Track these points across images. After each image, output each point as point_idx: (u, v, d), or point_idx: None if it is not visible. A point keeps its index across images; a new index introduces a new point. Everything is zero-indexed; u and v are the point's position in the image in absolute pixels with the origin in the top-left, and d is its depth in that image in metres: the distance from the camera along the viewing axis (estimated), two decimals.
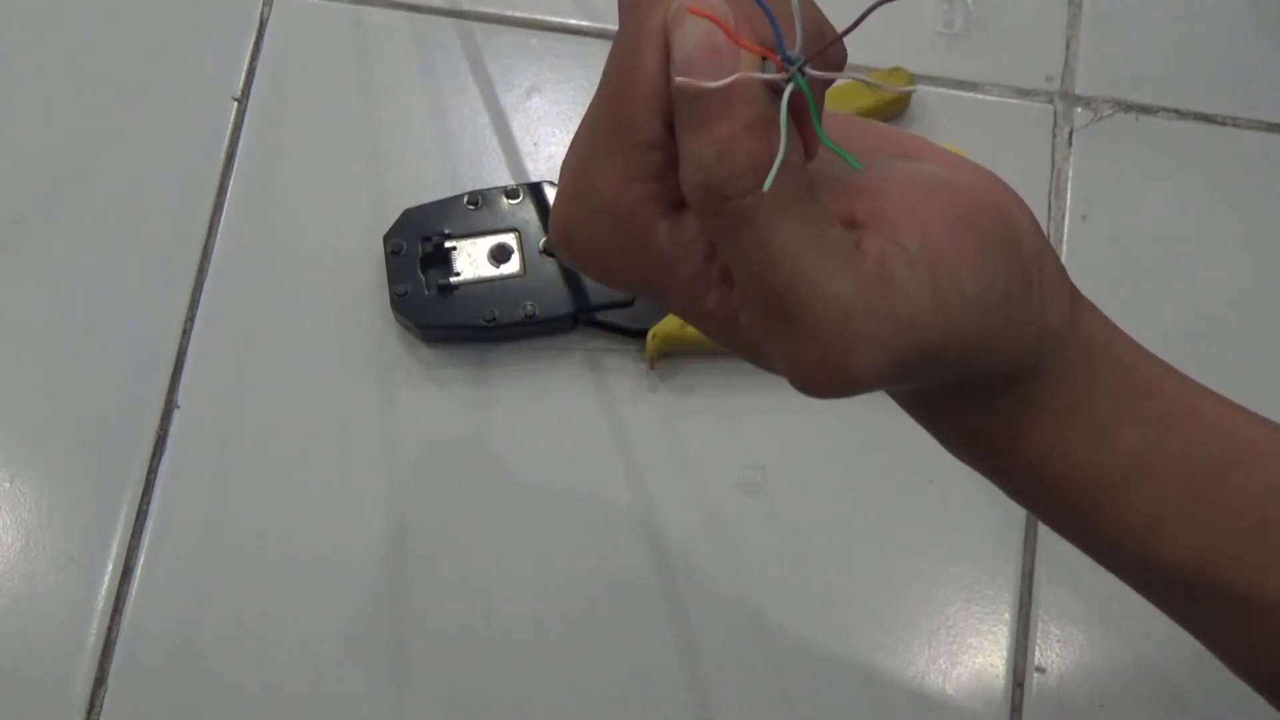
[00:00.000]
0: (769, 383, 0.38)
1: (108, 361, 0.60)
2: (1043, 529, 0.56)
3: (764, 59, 0.27)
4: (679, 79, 0.27)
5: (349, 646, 0.57)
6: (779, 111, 0.26)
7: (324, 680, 0.56)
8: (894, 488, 0.58)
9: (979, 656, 0.56)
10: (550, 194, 0.61)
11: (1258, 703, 0.36)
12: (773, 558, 0.57)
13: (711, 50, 0.26)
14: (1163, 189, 0.62)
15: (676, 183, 0.28)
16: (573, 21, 0.66)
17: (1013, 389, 0.32)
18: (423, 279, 0.59)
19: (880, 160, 0.31)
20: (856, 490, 0.58)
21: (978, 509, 0.57)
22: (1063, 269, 0.33)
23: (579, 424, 0.59)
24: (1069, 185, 0.62)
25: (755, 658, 0.56)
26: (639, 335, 0.59)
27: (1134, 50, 0.64)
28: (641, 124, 0.28)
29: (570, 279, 0.59)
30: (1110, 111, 0.63)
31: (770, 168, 0.26)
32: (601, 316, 0.59)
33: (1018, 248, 0.31)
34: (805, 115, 0.27)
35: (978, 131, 0.63)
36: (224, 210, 0.63)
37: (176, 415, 0.60)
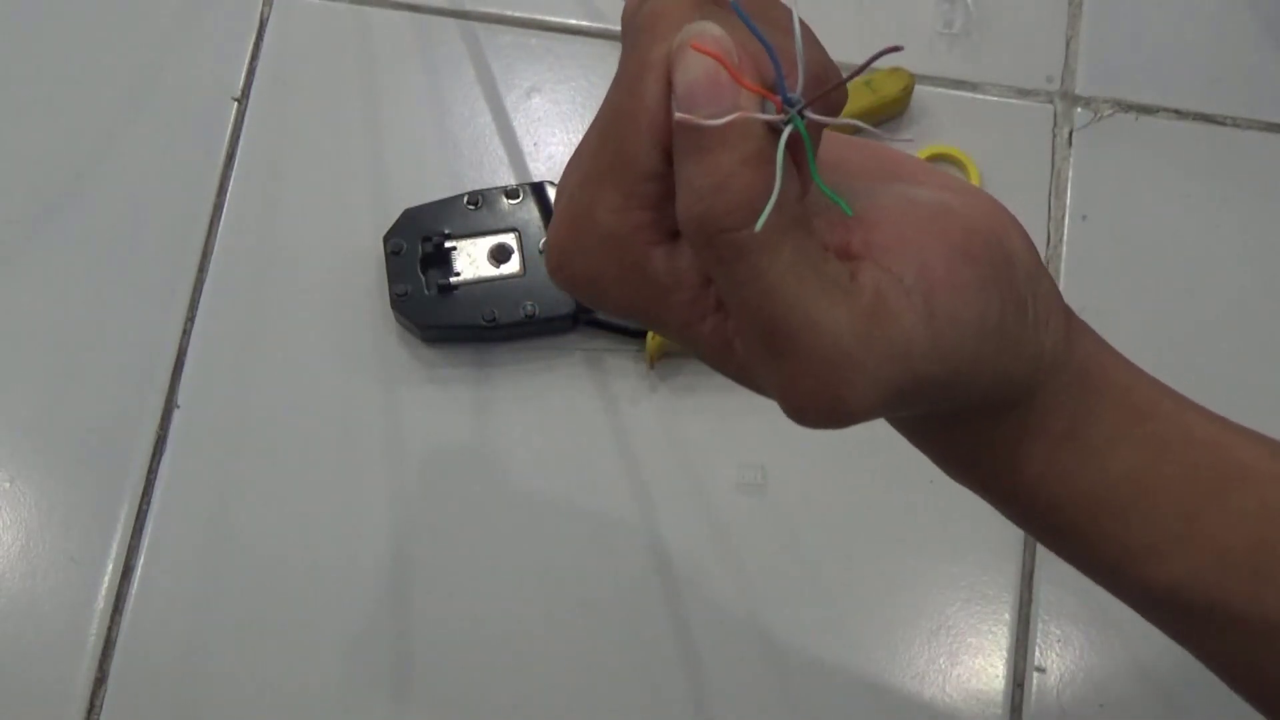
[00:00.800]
0: None
1: (108, 361, 0.60)
2: None
3: (764, 98, 0.27)
4: (679, 115, 0.27)
5: (349, 645, 0.57)
6: (776, 149, 0.27)
7: (324, 679, 0.56)
8: (894, 488, 0.58)
9: (979, 656, 0.56)
10: (551, 194, 0.61)
11: None
12: (772, 558, 0.57)
13: (713, 86, 0.26)
14: (1163, 189, 0.62)
15: (673, 212, 0.28)
16: (573, 21, 0.66)
17: (1008, 415, 0.32)
18: (423, 279, 0.59)
19: (876, 185, 0.31)
20: (856, 490, 0.58)
21: (978, 509, 0.57)
22: (1057, 292, 0.33)
23: (579, 424, 0.59)
24: (1069, 185, 0.62)
25: (755, 657, 0.56)
26: (639, 335, 0.59)
27: (1134, 50, 0.64)
28: (641, 154, 0.28)
29: None
30: (1110, 111, 0.63)
31: (765, 203, 0.26)
32: (601, 316, 0.59)
33: (1013, 274, 0.31)
34: (802, 153, 0.28)
35: (978, 131, 0.63)
36: (224, 210, 0.63)
37: (176, 415, 0.60)
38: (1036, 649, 0.56)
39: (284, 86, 0.65)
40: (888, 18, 0.65)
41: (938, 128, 0.63)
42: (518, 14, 0.66)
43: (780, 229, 0.27)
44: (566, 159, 0.65)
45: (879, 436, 0.58)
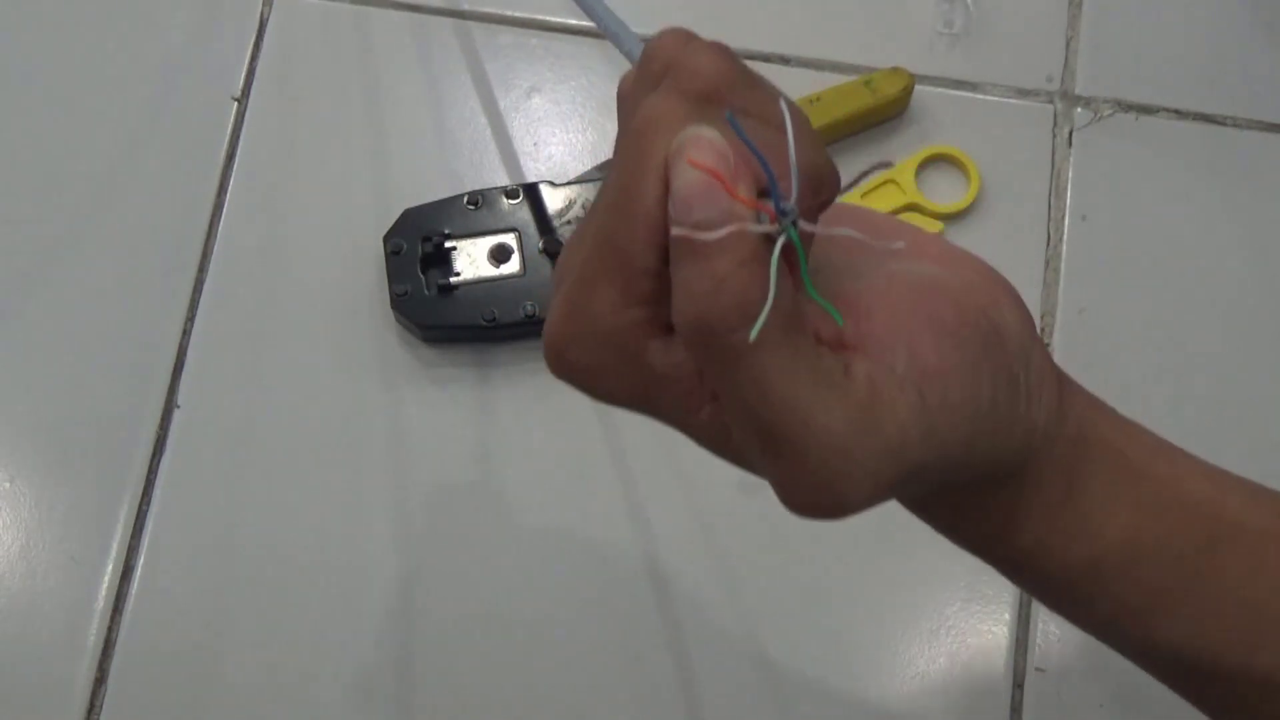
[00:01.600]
0: None
1: (108, 361, 0.60)
2: None
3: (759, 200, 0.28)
4: (675, 231, 0.27)
5: (348, 644, 0.57)
6: (770, 254, 0.27)
7: (324, 678, 0.56)
8: None
9: (979, 656, 0.56)
10: (550, 194, 0.61)
11: None
12: (772, 557, 0.57)
13: (708, 194, 0.27)
14: (1163, 189, 0.62)
15: (669, 307, 0.28)
16: (573, 22, 0.66)
17: (1001, 486, 0.32)
18: (423, 279, 0.59)
19: (865, 263, 0.31)
20: None
21: None
22: (1050, 361, 0.33)
23: (578, 424, 0.59)
24: (1069, 185, 0.62)
25: (754, 657, 0.56)
26: None
27: (1134, 50, 0.64)
28: (638, 254, 0.28)
29: None
30: (1110, 111, 0.63)
31: (760, 308, 0.27)
32: None
33: (1004, 351, 0.31)
34: (796, 259, 0.28)
35: (978, 131, 0.63)
36: (224, 210, 0.63)
37: (176, 415, 0.60)
38: (1036, 649, 0.56)
39: (284, 86, 0.65)
40: (888, 17, 0.65)
41: (938, 128, 0.63)
42: (518, 14, 0.66)
43: (774, 332, 0.27)
44: (566, 159, 0.65)
45: None
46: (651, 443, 0.59)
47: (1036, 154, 0.63)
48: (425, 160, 0.63)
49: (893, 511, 0.60)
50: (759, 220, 0.27)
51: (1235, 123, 0.63)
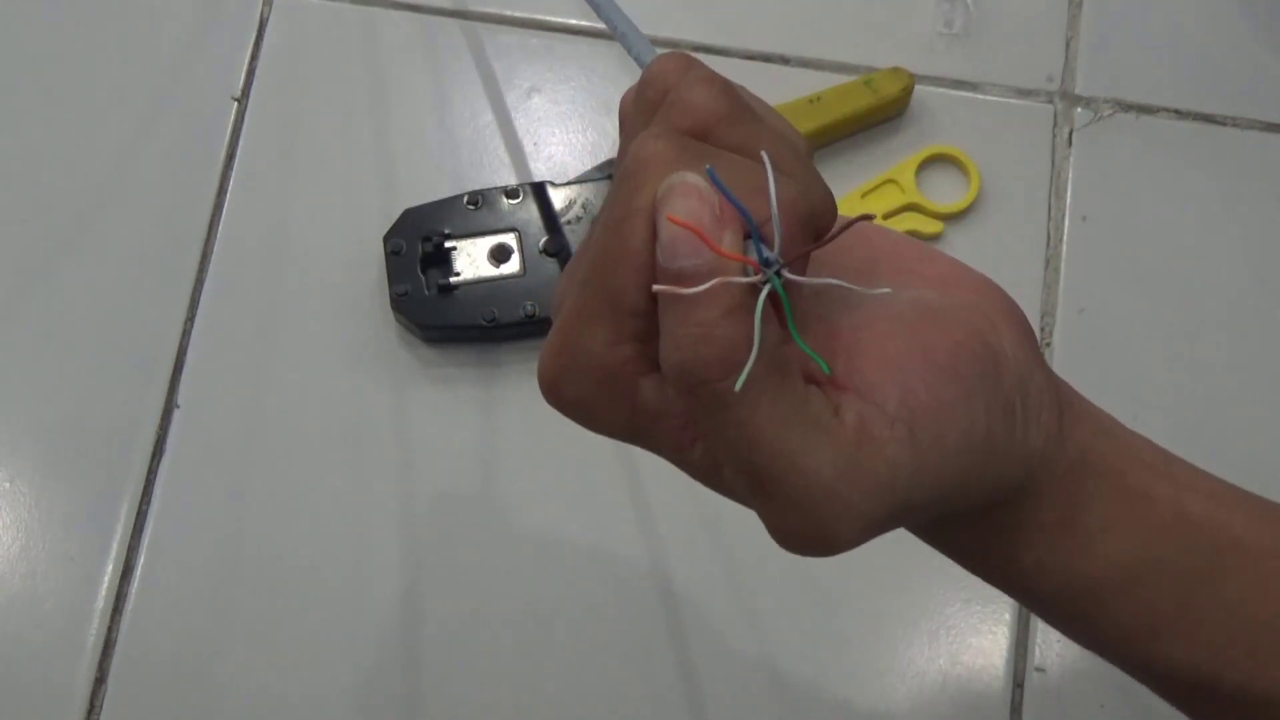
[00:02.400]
0: None
1: (108, 361, 0.60)
2: None
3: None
4: (657, 287, 0.27)
5: (348, 644, 0.57)
6: (756, 303, 0.27)
7: (323, 678, 0.56)
8: None
9: (979, 656, 0.56)
10: (551, 193, 0.61)
11: None
12: (772, 558, 0.57)
13: (690, 248, 0.27)
14: (1163, 189, 0.62)
15: (656, 343, 0.29)
16: (574, 21, 0.66)
17: (1000, 510, 0.32)
18: (423, 279, 0.59)
19: (856, 294, 0.31)
20: None
21: None
22: (1051, 384, 0.33)
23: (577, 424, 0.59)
24: (1069, 185, 0.62)
25: (754, 657, 0.56)
26: None
27: (1134, 50, 0.64)
28: (628, 294, 0.29)
29: None
30: (1110, 111, 0.63)
31: (746, 355, 0.27)
32: None
33: (999, 381, 0.31)
34: (782, 306, 0.28)
35: (978, 131, 0.63)
36: (224, 210, 0.63)
37: (176, 415, 0.60)
38: (1036, 649, 0.56)
39: (284, 86, 0.65)
40: (888, 17, 0.65)
41: (938, 128, 0.63)
42: (518, 14, 0.66)
43: (761, 377, 0.27)
44: (567, 159, 0.65)
45: None
46: None
47: (1036, 154, 0.63)
48: (425, 160, 0.63)
49: None
50: (745, 270, 0.27)
51: (1235, 123, 0.63)
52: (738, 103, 0.29)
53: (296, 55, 0.65)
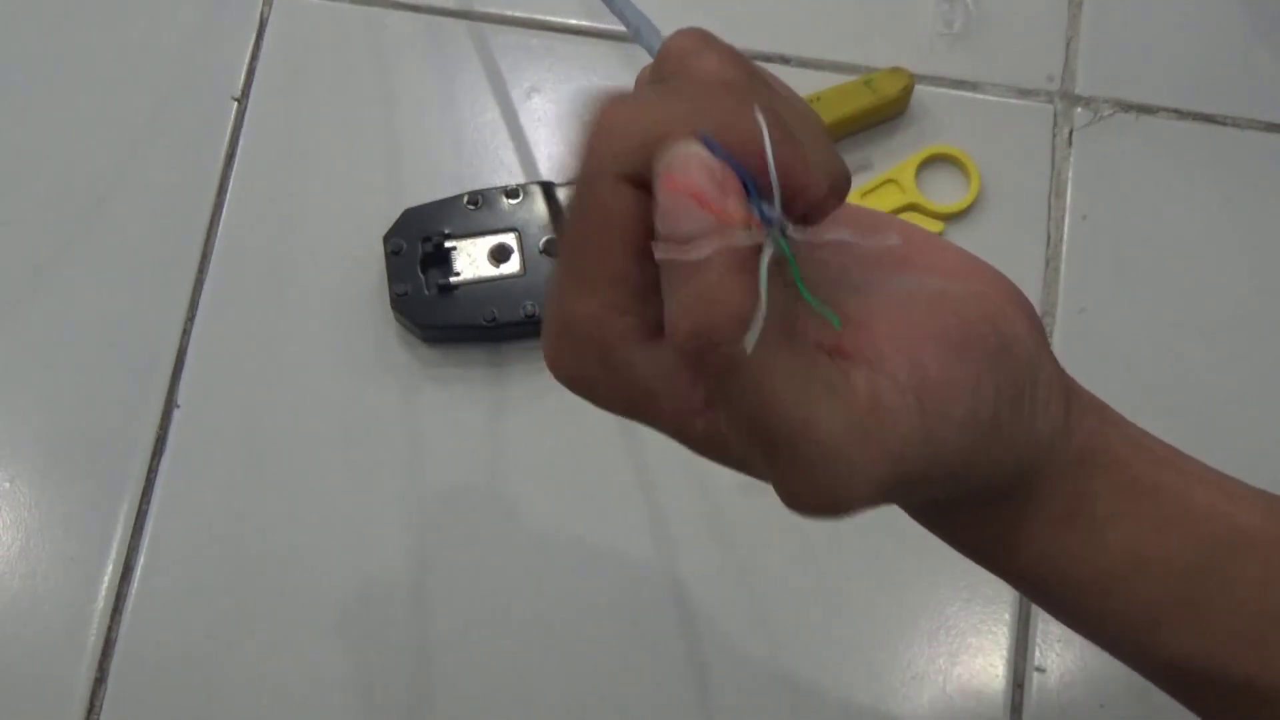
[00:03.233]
0: None
1: (108, 361, 0.60)
2: None
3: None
4: (659, 255, 0.27)
5: (348, 645, 0.57)
6: (761, 262, 0.27)
7: (323, 678, 0.56)
8: None
9: (979, 656, 0.56)
10: (552, 193, 0.61)
11: None
12: (772, 557, 0.57)
13: (690, 213, 0.26)
14: (1163, 189, 0.62)
15: (649, 310, 0.28)
16: (574, 21, 0.66)
17: (1006, 500, 0.32)
18: (423, 279, 0.59)
19: (872, 278, 0.31)
20: None
21: None
22: (1059, 374, 0.33)
23: (580, 423, 0.59)
24: (1069, 185, 0.62)
25: (755, 657, 0.56)
26: None
27: (1134, 50, 0.64)
28: (605, 262, 0.28)
29: None
30: (1110, 111, 0.63)
31: (753, 315, 0.26)
32: None
33: (1010, 364, 0.31)
34: (788, 265, 0.28)
35: (978, 131, 0.63)
36: (224, 210, 0.63)
37: (176, 415, 0.60)
38: (1036, 649, 0.56)
39: (284, 86, 0.65)
40: (888, 17, 0.65)
41: (938, 128, 0.63)
42: (518, 14, 0.66)
43: (771, 339, 0.27)
44: (566, 159, 0.65)
45: None
46: (652, 441, 0.58)
47: (1036, 154, 0.63)
48: (425, 160, 0.63)
49: (893, 513, 0.59)
50: (750, 232, 0.27)
51: (1235, 123, 0.63)
52: (751, 72, 0.29)
53: (296, 55, 0.65)
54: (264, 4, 0.66)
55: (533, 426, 0.59)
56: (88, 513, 0.58)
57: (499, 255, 0.59)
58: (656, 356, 0.29)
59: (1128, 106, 0.64)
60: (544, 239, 0.59)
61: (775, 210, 0.27)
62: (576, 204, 0.29)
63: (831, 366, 0.29)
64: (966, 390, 0.29)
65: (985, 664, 0.56)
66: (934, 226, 0.61)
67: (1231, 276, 0.61)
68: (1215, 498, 0.34)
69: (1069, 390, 0.33)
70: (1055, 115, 0.63)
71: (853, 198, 0.61)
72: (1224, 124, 0.63)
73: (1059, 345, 0.60)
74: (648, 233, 0.28)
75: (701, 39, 0.29)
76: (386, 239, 0.60)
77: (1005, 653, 0.56)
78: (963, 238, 0.61)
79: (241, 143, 0.64)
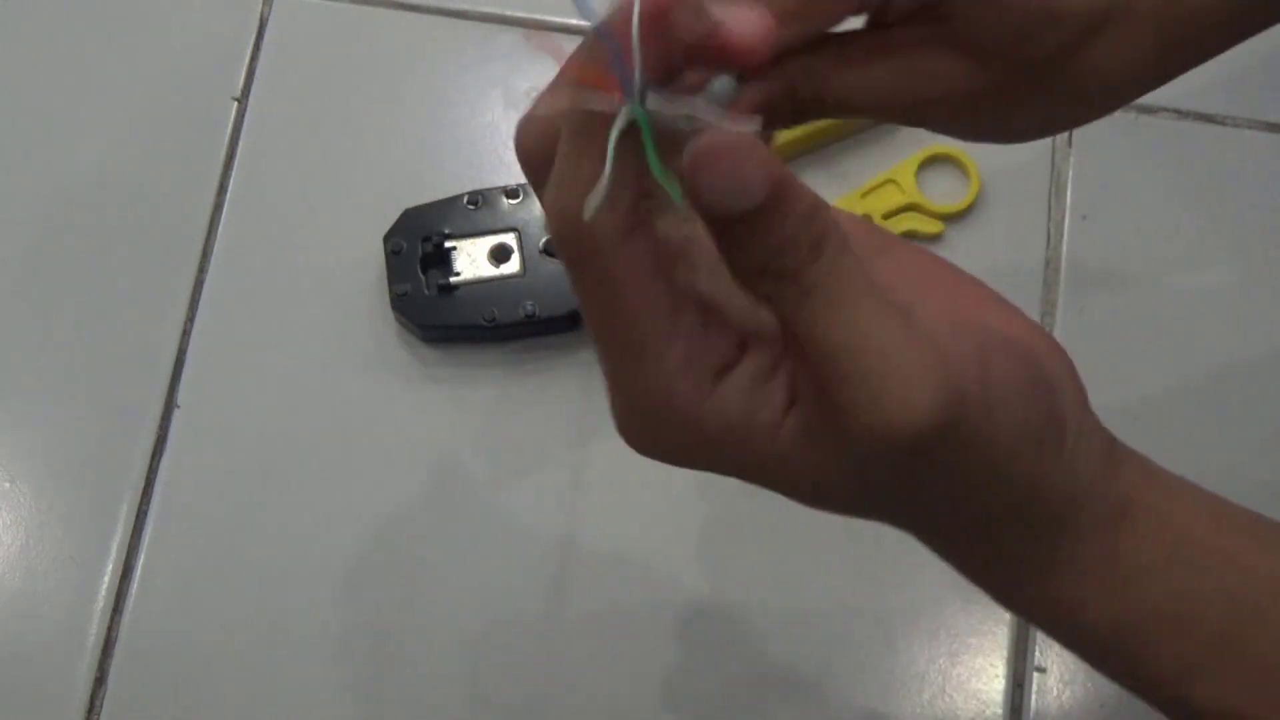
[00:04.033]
0: None
1: (108, 361, 0.60)
2: None
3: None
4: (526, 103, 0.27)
5: (348, 645, 0.57)
6: (612, 138, 0.26)
7: (323, 679, 0.56)
8: None
9: (979, 656, 0.56)
10: None
11: None
12: (772, 558, 0.57)
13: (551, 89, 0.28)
14: (1163, 189, 0.62)
15: (699, 357, 0.28)
16: (573, 21, 0.66)
17: (1042, 550, 0.33)
18: (423, 279, 0.59)
19: (937, 318, 0.31)
20: None
21: None
22: (1100, 429, 0.33)
23: (580, 424, 0.59)
24: (1069, 185, 0.62)
25: (755, 657, 0.56)
26: None
27: None
28: (638, 333, 0.28)
29: None
30: None
31: (595, 180, 0.26)
32: None
33: (1057, 403, 0.31)
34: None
35: None
36: (224, 210, 0.63)
37: (176, 415, 0.60)
38: (1036, 649, 0.56)
39: (284, 86, 0.65)
40: None
41: None
42: (517, 14, 0.66)
43: (852, 267, 0.27)
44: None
45: None
46: None
47: (1036, 154, 0.63)
48: (425, 160, 0.63)
49: None
50: (601, 96, 0.26)
51: (1235, 123, 0.63)
52: None
53: (296, 55, 0.65)
54: (264, 4, 0.66)
55: (533, 426, 0.59)
56: (88, 513, 0.58)
57: (499, 255, 0.59)
58: (729, 396, 0.29)
59: (1128, 106, 0.63)
60: (544, 239, 0.59)
61: (636, 78, 0.26)
62: (574, 280, 0.28)
63: (895, 302, 0.29)
64: (1023, 396, 0.30)
65: (985, 664, 0.56)
66: (934, 226, 0.61)
67: (1231, 276, 0.61)
68: (1252, 550, 0.34)
69: (1110, 443, 0.34)
70: None
71: (853, 198, 0.61)
72: (1224, 124, 0.63)
73: None
74: (654, 271, 0.28)
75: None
76: (386, 239, 0.60)
77: (1005, 653, 0.56)
78: (962, 238, 0.61)
79: (241, 143, 0.64)
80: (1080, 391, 0.33)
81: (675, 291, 0.28)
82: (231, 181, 0.63)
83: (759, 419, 0.30)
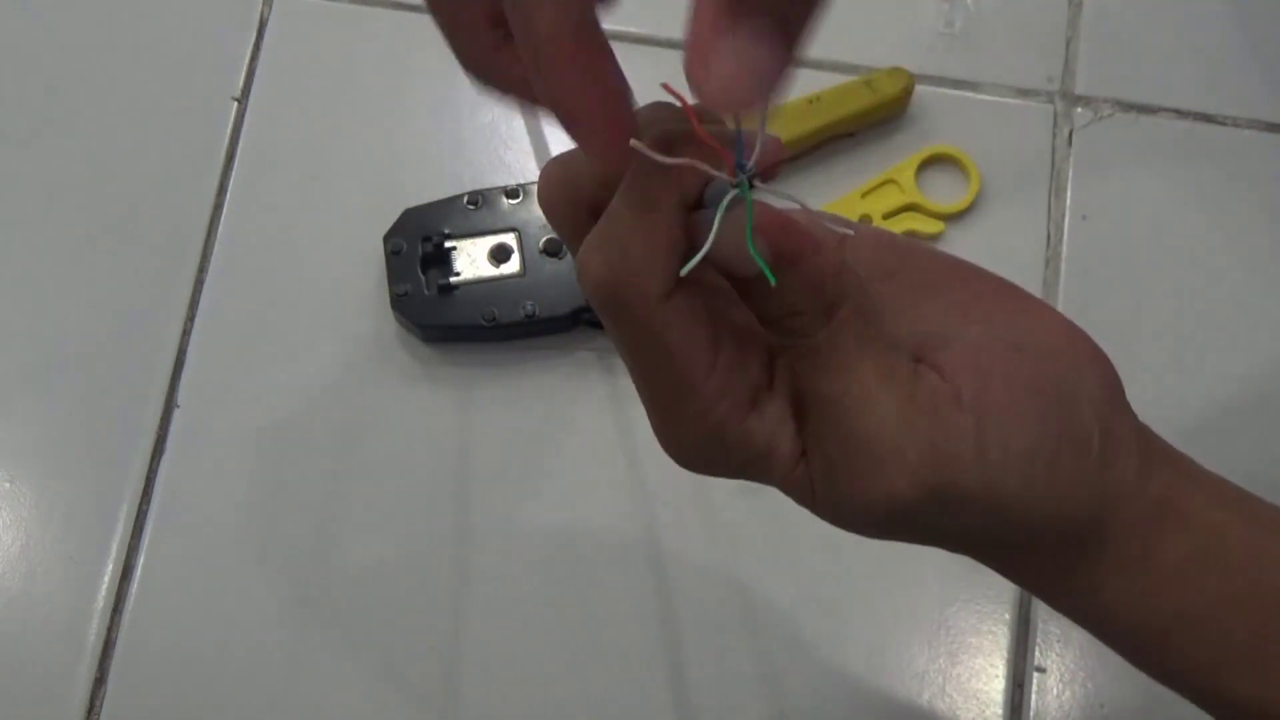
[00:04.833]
0: None
1: (108, 361, 0.60)
2: None
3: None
4: (634, 144, 0.29)
5: (347, 644, 0.57)
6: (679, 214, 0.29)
7: (322, 679, 0.56)
8: None
9: (979, 656, 0.56)
10: None
11: None
12: (772, 558, 0.57)
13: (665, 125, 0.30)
14: (1163, 189, 0.62)
15: (737, 382, 0.30)
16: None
17: (1079, 548, 0.33)
18: (423, 279, 0.59)
19: (953, 327, 0.33)
20: None
21: None
22: (1135, 428, 0.34)
23: (580, 424, 0.59)
24: (1069, 185, 0.62)
25: (755, 658, 0.56)
26: None
27: (1134, 50, 0.64)
28: (681, 372, 0.30)
29: (570, 278, 0.59)
30: (1110, 111, 0.63)
31: (656, 258, 0.29)
32: None
33: (1076, 414, 0.32)
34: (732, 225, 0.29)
35: (978, 131, 0.63)
36: (224, 210, 0.63)
37: (176, 415, 0.60)
38: (1036, 649, 0.56)
39: (284, 86, 0.65)
40: (888, 17, 0.65)
41: (938, 128, 0.63)
42: None
43: (850, 326, 0.29)
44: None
45: None
46: (651, 443, 0.58)
47: (1036, 154, 0.63)
48: (425, 160, 0.63)
49: None
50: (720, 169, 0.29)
51: (1235, 123, 0.63)
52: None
53: (296, 55, 0.65)
54: (264, 4, 0.66)
55: (533, 426, 0.59)
56: (88, 513, 0.58)
57: (499, 255, 0.59)
58: (755, 428, 0.31)
59: (1128, 106, 0.64)
60: (544, 239, 0.59)
61: (751, 162, 0.29)
62: (617, 334, 0.30)
63: (906, 361, 0.30)
64: (1029, 426, 0.31)
65: (985, 664, 0.56)
66: (934, 226, 0.61)
67: (1231, 276, 0.61)
68: None
69: (1147, 445, 0.34)
70: (1055, 115, 0.63)
71: (853, 198, 0.61)
72: (1224, 124, 0.63)
73: None
74: (696, 314, 0.30)
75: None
76: (386, 239, 0.60)
77: (1005, 653, 0.56)
78: (962, 238, 0.61)
79: (241, 143, 0.64)
80: (1108, 389, 0.33)
81: (713, 324, 0.30)
82: (231, 181, 0.63)
83: (782, 450, 0.32)
